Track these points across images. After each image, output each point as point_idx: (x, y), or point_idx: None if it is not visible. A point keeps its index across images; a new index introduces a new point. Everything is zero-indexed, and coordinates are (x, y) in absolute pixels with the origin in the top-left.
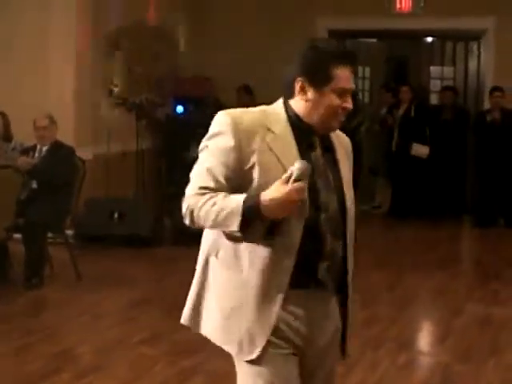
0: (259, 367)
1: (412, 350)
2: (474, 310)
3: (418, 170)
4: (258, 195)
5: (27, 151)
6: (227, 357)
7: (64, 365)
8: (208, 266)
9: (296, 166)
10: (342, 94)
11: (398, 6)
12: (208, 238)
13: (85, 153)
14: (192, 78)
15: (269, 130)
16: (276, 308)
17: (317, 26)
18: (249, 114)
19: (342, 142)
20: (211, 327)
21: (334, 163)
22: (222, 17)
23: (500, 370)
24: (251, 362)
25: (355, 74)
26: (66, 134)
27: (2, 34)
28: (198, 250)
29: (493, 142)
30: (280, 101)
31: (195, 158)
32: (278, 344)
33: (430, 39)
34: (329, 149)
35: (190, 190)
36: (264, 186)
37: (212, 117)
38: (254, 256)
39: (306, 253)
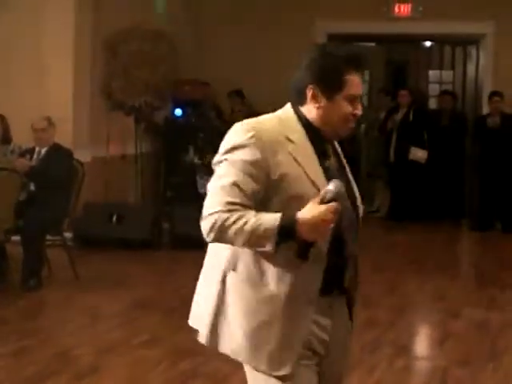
0: (285, 382)
1: (410, 354)
2: (471, 314)
3: (416, 174)
4: (293, 215)
5: (26, 153)
6: (227, 359)
7: (63, 367)
8: (226, 282)
9: (330, 187)
10: (352, 100)
11: (396, 10)
12: (221, 253)
13: (83, 155)
14: (191, 81)
15: (288, 139)
16: (307, 321)
17: (316, 30)
18: (267, 123)
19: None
20: (236, 345)
21: (342, 168)
22: (222, 21)
23: (498, 375)
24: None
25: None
26: (64, 137)
27: (0, 37)
28: (196, 253)
29: (492, 146)
30: (288, 107)
31: (193, 162)
32: (306, 355)
33: (428, 43)
34: (335, 154)
35: (215, 205)
36: (291, 198)
37: (210, 120)
38: (281, 270)
39: (332, 261)
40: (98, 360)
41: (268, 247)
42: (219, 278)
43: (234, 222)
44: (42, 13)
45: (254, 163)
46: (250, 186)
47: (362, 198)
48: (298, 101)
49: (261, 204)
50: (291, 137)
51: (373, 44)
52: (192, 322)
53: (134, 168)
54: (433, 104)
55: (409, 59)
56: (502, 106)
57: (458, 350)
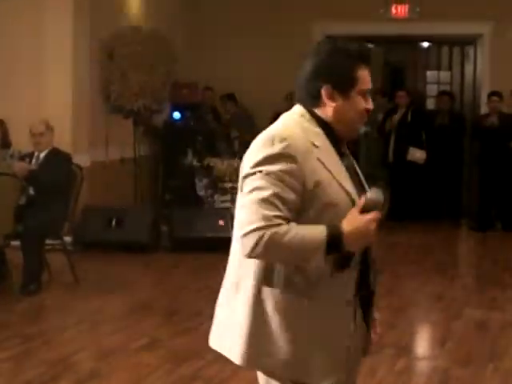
0: None
1: (410, 355)
2: (472, 315)
3: (415, 175)
4: (337, 227)
5: (25, 158)
6: (226, 363)
7: (63, 372)
8: (261, 296)
9: (370, 196)
10: (364, 95)
11: (394, 11)
12: (248, 265)
13: (82, 159)
14: (189, 85)
15: (314, 144)
16: (349, 325)
17: (313, 31)
18: (293, 130)
19: None
20: (282, 362)
21: (354, 167)
22: (220, 23)
23: (499, 375)
24: None
25: None
26: (63, 141)
27: None
28: (195, 256)
29: (491, 146)
30: (301, 110)
31: (192, 164)
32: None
33: (426, 44)
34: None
35: (259, 219)
36: (325, 205)
37: (208, 123)
38: (319, 279)
39: (361, 266)
40: (98, 364)
41: (316, 261)
42: (253, 292)
43: (281, 238)
44: (40, 17)
45: (291, 173)
46: (290, 197)
47: None
48: (312, 102)
49: (299, 215)
50: (315, 142)
51: (370, 45)
52: (218, 343)
53: (132, 171)
54: (431, 104)
55: (406, 60)
56: (501, 105)
57: (458, 351)
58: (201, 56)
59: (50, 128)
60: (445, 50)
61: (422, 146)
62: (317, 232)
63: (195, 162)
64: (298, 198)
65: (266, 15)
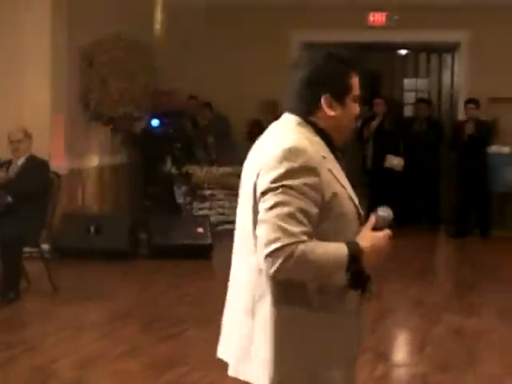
0: None
1: (389, 360)
2: (451, 320)
3: (393, 181)
4: (356, 244)
5: (3, 165)
6: (209, 370)
7: (45, 379)
8: (281, 313)
9: (381, 214)
10: (355, 100)
11: (371, 19)
12: (262, 282)
13: (60, 166)
14: (168, 92)
15: (322, 155)
16: (360, 332)
17: (290, 39)
18: (303, 141)
19: None
20: (301, 378)
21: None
22: (197, 32)
23: (478, 380)
24: None
25: None
26: (42, 148)
27: None
28: (174, 263)
29: (467, 153)
30: (295, 119)
31: (171, 172)
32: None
33: (403, 52)
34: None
35: (286, 236)
36: (338, 216)
37: (186, 131)
38: (336, 292)
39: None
40: (79, 372)
41: (339, 279)
42: (271, 311)
43: (309, 255)
44: (17, 24)
45: (313, 186)
46: (313, 210)
47: None
48: (307, 110)
49: (316, 227)
50: (322, 152)
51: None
52: (242, 369)
53: (111, 178)
54: (408, 112)
55: (384, 68)
56: (477, 113)
57: (437, 356)
58: (179, 64)
59: (28, 135)
60: (422, 57)
61: (400, 153)
62: (340, 248)
63: (174, 170)
64: (318, 212)
65: (243, 23)
